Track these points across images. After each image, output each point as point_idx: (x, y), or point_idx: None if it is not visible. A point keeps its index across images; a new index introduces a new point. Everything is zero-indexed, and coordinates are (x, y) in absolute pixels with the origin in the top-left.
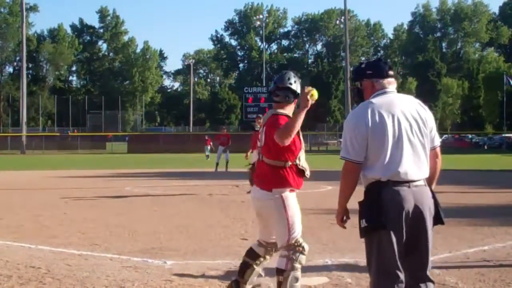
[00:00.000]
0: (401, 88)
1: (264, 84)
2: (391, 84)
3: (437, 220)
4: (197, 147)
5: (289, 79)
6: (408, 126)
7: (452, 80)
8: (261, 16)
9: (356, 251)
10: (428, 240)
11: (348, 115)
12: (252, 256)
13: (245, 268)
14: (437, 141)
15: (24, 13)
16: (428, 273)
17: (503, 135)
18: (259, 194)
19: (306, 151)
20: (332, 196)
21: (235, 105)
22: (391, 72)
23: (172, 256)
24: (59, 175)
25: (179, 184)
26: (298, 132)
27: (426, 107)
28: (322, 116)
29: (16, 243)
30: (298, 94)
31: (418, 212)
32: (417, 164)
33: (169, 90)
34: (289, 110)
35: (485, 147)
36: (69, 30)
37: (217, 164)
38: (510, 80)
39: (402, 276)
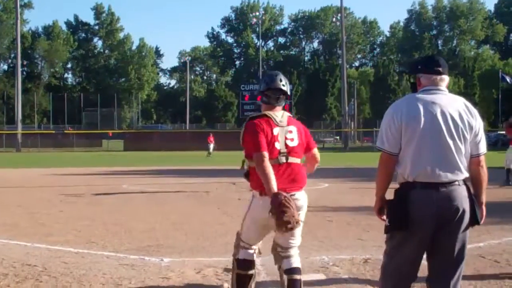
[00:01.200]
0: (397, 86)
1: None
2: (440, 81)
3: (473, 220)
4: (194, 144)
5: (280, 80)
6: (445, 127)
7: (448, 77)
8: (257, 13)
9: (352, 247)
10: (454, 245)
11: (389, 107)
12: (251, 266)
13: (246, 280)
14: (482, 148)
15: (19, 10)
16: (453, 282)
17: (499, 132)
18: (300, 196)
19: None
20: (329, 193)
21: (231, 103)
22: (438, 69)
23: (169, 254)
24: (55, 173)
25: (175, 182)
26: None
27: (474, 112)
28: (319, 114)
29: (12, 241)
30: (289, 95)
31: (448, 215)
32: (448, 166)
33: (165, 88)
34: (277, 112)
35: None
36: (64, 27)
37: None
38: (506, 77)
39: (411, 280)
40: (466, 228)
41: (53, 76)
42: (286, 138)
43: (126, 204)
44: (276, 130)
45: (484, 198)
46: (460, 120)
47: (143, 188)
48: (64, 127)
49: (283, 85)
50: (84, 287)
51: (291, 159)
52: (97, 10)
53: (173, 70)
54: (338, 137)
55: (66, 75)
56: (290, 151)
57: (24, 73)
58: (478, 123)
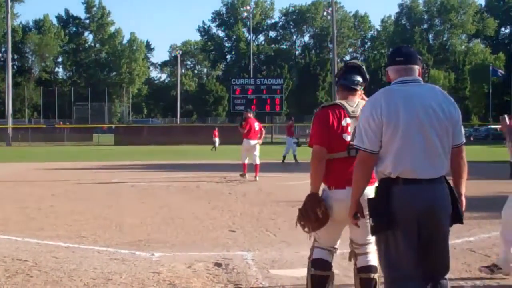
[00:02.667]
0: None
1: (251, 76)
2: (407, 71)
3: (455, 219)
4: (185, 138)
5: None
6: (426, 119)
7: (439, 71)
8: (248, 7)
9: (343, 243)
10: (442, 243)
11: (365, 102)
12: (327, 267)
13: (322, 282)
14: (461, 138)
15: (9, 4)
16: (443, 280)
17: (489, 126)
18: (368, 191)
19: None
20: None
21: (222, 97)
22: (400, 58)
23: (159, 248)
24: (45, 167)
25: (166, 176)
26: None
27: (451, 100)
28: (310, 108)
29: (3, 235)
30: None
31: (431, 213)
32: (431, 161)
33: (156, 82)
34: (352, 101)
35: (471, 139)
36: (55, 21)
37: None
38: (498, 71)
39: (414, 275)
40: (448, 225)
41: (43, 70)
42: None
43: (117, 199)
44: (346, 121)
45: (463, 189)
46: (441, 112)
47: (134, 183)
48: (55, 121)
49: (360, 72)
50: (75, 281)
51: None
52: (88, 4)
53: (164, 64)
54: None
55: (56, 69)
56: None
57: (15, 67)
58: (457, 112)
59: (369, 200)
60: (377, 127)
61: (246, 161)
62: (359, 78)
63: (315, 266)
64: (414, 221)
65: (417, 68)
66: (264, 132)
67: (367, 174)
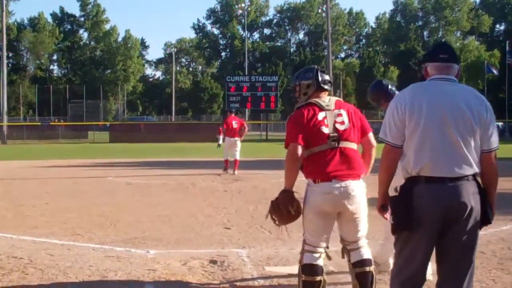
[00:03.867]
0: (382, 77)
1: (246, 73)
2: (447, 69)
3: (484, 220)
4: (180, 136)
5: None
6: (451, 118)
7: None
8: (243, 5)
9: (338, 239)
10: (463, 246)
11: (395, 96)
12: (318, 271)
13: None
14: (493, 144)
15: (4, 2)
16: (463, 285)
17: None
18: (355, 187)
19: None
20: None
21: (217, 94)
22: (444, 56)
23: (154, 246)
24: (40, 165)
25: (161, 173)
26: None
27: (486, 104)
28: None
29: None
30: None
31: (455, 211)
32: (454, 160)
33: (151, 79)
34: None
35: None
36: (49, 19)
37: None
38: (492, 68)
39: (421, 280)
40: (476, 227)
41: (38, 68)
42: (335, 122)
43: (112, 196)
44: (321, 115)
45: (493, 199)
46: (469, 111)
47: (128, 180)
48: (50, 119)
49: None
50: (70, 279)
51: (344, 144)
52: (83, 2)
53: (159, 61)
54: None
55: (51, 67)
56: (341, 135)
57: (10, 65)
58: (489, 116)
59: (391, 198)
60: (400, 121)
61: (228, 158)
62: (327, 78)
63: (306, 272)
64: (435, 221)
65: (456, 68)
66: (246, 128)
67: (391, 167)
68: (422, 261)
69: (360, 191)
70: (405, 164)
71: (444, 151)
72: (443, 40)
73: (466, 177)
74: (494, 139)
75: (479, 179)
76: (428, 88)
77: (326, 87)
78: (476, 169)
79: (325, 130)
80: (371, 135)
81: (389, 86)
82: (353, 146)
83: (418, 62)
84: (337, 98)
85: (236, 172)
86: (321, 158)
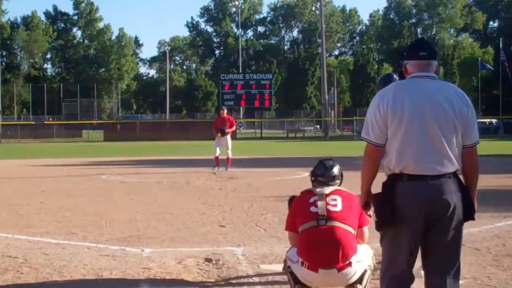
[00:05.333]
0: (376, 75)
1: (240, 71)
2: (427, 66)
3: (467, 216)
4: (174, 134)
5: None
6: (433, 116)
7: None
8: (236, 3)
9: None
10: (448, 243)
11: (376, 94)
12: None
13: None
14: (474, 138)
15: None
16: (449, 279)
17: (478, 120)
18: (346, 273)
19: (283, 138)
20: (308, 183)
21: (211, 92)
22: (423, 53)
23: (149, 244)
24: (35, 164)
25: (156, 172)
26: None
27: (466, 99)
28: (299, 103)
29: None
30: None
31: (437, 208)
32: (436, 157)
33: (145, 78)
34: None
35: None
36: (43, 17)
37: None
38: (486, 65)
39: (409, 276)
40: (460, 224)
41: (32, 66)
42: (327, 204)
43: (107, 195)
44: (313, 198)
45: (474, 193)
46: (450, 108)
47: (123, 179)
48: (44, 118)
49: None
50: (65, 278)
51: (333, 223)
52: (76, 0)
53: (153, 60)
54: (318, 126)
55: (45, 65)
56: (331, 216)
57: (3, 64)
58: (470, 111)
59: (374, 195)
60: (382, 120)
61: (217, 155)
62: (337, 172)
63: None
64: (418, 218)
65: (435, 64)
66: (233, 126)
67: (374, 166)
68: (407, 258)
69: (349, 276)
70: (388, 162)
71: (427, 149)
72: (436, 37)
73: (448, 174)
74: (475, 134)
75: (460, 176)
76: (409, 86)
77: (334, 183)
78: (457, 166)
79: (313, 209)
80: (365, 229)
81: (394, 77)
82: (345, 226)
83: (397, 59)
84: (336, 187)
85: (228, 169)
86: (307, 236)
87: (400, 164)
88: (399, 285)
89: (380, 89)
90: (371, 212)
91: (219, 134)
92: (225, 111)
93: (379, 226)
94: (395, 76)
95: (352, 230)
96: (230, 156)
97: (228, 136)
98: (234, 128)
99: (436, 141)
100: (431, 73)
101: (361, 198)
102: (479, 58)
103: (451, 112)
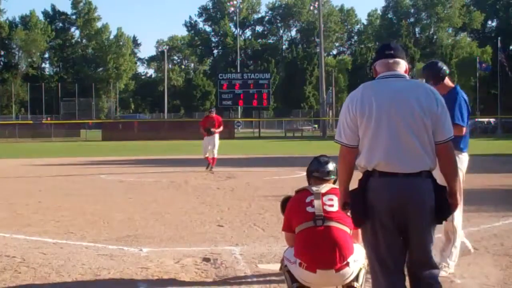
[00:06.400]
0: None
1: (238, 70)
2: (394, 64)
3: (441, 213)
4: (172, 133)
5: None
6: (401, 115)
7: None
8: (235, 2)
9: None
10: (420, 237)
11: (347, 97)
12: None
13: None
14: (445, 134)
15: None
16: (425, 272)
17: (476, 119)
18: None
19: (281, 137)
20: (306, 182)
21: (209, 92)
22: (389, 52)
23: (148, 244)
24: (33, 163)
25: (154, 171)
26: None
27: (436, 96)
28: (297, 102)
29: None
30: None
31: (405, 205)
32: (407, 156)
33: (143, 77)
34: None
35: None
36: (41, 17)
37: None
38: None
39: (393, 267)
40: (432, 224)
41: (30, 66)
42: (324, 204)
43: (105, 194)
44: (309, 198)
45: (456, 187)
46: (418, 107)
47: (121, 178)
48: (42, 117)
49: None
50: (63, 277)
51: (330, 223)
52: (75, 0)
53: (151, 59)
54: (316, 126)
55: (43, 65)
56: (328, 216)
57: (1, 63)
58: (440, 109)
59: (351, 192)
60: (352, 122)
61: (207, 155)
62: (332, 168)
63: None
64: (389, 213)
65: (404, 64)
66: (221, 126)
67: (349, 168)
68: (389, 253)
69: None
70: (359, 162)
71: (396, 148)
72: (435, 37)
73: (419, 173)
74: (447, 129)
75: (434, 175)
76: (377, 86)
77: (329, 178)
78: (430, 164)
79: (309, 210)
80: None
81: (442, 69)
82: (341, 226)
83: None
84: (333, 186)
85: (213, 169)
86: (304, 236)
87: (371, 162)
88: (391, 279)
89: (422, 75)
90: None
91: (206, 133)
92: (214, 111)
93: (355, 222)
94: (439, 64)
95: (348, 230)
96: (215, 156)
97: (216, 136)
98: (221, 129)
99: (405, 139)
100: (398, 72)
101: (339, 199)
102: (478, 57)
103: (418, 110)
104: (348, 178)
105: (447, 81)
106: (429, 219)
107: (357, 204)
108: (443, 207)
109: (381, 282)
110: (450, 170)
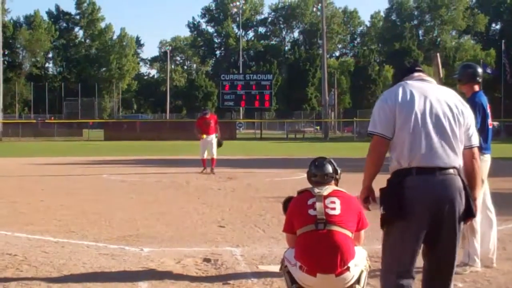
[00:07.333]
0: (377, 76)
1: (240, 71)
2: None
3: (468, 213)
4: (174, 134)
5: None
6: (440, 110)
7: (429, 67)
8: (238, 3)
9: None
10: (452, 235)
11: (382, 93)
12: None
13: None
14: (474, 140)
15: (0, 0)
16: (451, 284)
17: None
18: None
19: (283, 139)
20: (307, 184)
21: (212, 92)
22: (418, 69)
23: (149, 243)
24: (35, 162)
25: (156, 171)
26: None
27: (465, 104)
28: (299, 104)
29: None
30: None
31: (444, 204)
32: (445, 151)
33: (145, 77)
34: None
35: None
36: (45, 17)
37: None
38: (487, 68)
39: (411, 272)
40: (460, 222)
41: (34, 65)
42: (326, 207)
43: (106, 194)
44: (311, 200)
45: (477, 193)
46: (455, 106)
47: (123, 178)
48: (45, 116)
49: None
50: (64, 276)
51: (332, 227)
52: (78, 0)
53: (154, 60)
54: (318, 127)
55: (47, 64)
56: (330, 220)
57: (5, 62)
58: (470, 115)
59: (382, 190)
60: (390, 112)
61: (204, 157)
62: (330, 170)
63: None
64: (426, 212)
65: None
66: (217, 123)
67: (380, 160)
68: (411, 255)
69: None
70: (397, 155)
71: (436, 141)
72: (438, 39)
73: (454, 169)
74: (475, 137)
75: (462, 175)
76: (415, 84)
77: (328, 181)
78: (461, 162)
79: (311, 213)
80: (362, 233)
81: (477, 71)
82: (343, 230)
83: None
84: (335, 188)
85: (214, 170)
86: (304, 240)
87: (411, 155)
88: (403, 283)
89: (457, 74)
90: (370, 206)
91: (204, 136)
92: (208, 113)
93: (386, 220)
94: (475, 67)
95: (350, 234)
96: (215, 156)
97: (214, 137)
98: (219, 132)
99: (444, 134)
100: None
101: (362, 193)
102: (481, 60)
103: (455, 109)
104: (375, 172)
105: (475, 86)
106: (460, 217)
107: (392, 201)
108: (470, 207)
109: (392, 283)
110: (476, 176)
